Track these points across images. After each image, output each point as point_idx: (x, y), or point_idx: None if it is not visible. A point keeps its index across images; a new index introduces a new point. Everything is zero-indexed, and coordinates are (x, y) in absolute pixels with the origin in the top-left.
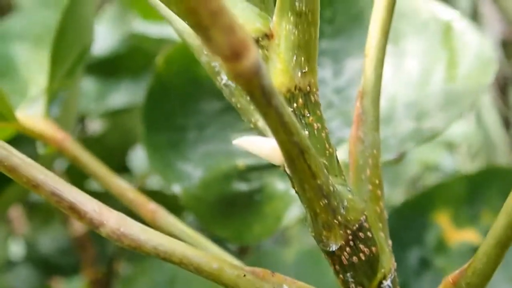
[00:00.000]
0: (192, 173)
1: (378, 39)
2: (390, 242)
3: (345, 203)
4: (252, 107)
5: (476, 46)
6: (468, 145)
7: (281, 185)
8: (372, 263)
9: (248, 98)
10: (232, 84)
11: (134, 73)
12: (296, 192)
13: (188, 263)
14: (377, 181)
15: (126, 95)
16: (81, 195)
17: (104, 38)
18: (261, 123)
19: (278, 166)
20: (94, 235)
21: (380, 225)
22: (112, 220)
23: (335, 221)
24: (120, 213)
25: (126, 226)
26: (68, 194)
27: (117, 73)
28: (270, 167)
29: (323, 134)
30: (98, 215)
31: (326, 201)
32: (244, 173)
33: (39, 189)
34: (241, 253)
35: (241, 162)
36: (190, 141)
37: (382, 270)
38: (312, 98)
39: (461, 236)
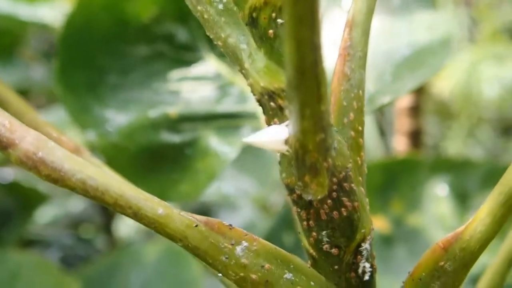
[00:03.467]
0: (112, 119)
1: None
2: (367, 200)
3: (336, 145)
4: (223, 19)
5: (430, 18)
6: None
7: (216, 141)
8: (353, 221)
9: None
10: None
11: None
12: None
13: (126, 205)
14: (360, 128)
15: None
16: None
17: None
18: (233, 39)
19: (215, 118)
20: None
21: (360, 179)
22: (27, 141)
23: (325, 163)
24: (39, 133)
25: (46, 150)
26: None
27: None
28: (205, 118)
29: None
30: (8, 131)
31: (323, 136)
32: (176, 123)
33: None
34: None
35: (173, 110)
36: (111, 85)
37: (362, 231)
38: None
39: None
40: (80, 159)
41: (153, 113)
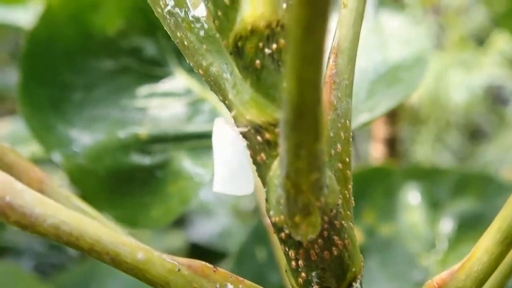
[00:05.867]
0: (78, 139)
1: None
2: (356, 235)
3: (327, 182)
4: (205, 46)
5: (404, 33)
6: None
7: (189, 162)
8: (343, 260)
9: None
10: (179, 11)
11: None
12: (261, 162)
13: (103, 250)
14: (347, 159)
15: None
16: None
17: None
18: (216, 68)
19: (186, 138)
20: None
21: (349, 213)
22: None
23: (317, 203)
24: (5, 174)
25: (14, 193)
26: None
27: None
28: (176, 138)
29: None
30: None
31: (318, 176)
32: (146, 144)
33: None
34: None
35: (142, 131)
36: (75, 102)
37: (353, 269)
38: None
39: None
40: (52, 201)
41: (122, 134)
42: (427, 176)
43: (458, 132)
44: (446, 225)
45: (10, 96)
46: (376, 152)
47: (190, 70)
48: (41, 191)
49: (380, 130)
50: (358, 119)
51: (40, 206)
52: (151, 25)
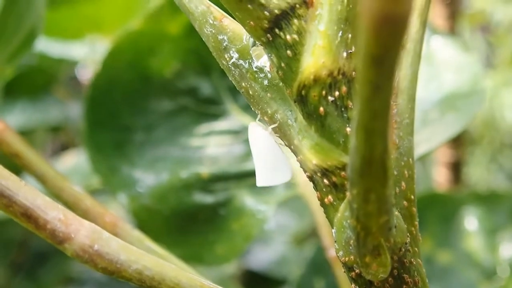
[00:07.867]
0: (141, 179)
1: (416, 30)
2: (424, 270)
3: (395, 222)
4: (269, 94)
5: (456, 60)
6: None
7: (250, 199)
8: None
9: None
10: (243, 63)
11: (31, 94)
12: (327, 204)
13: None
14: (412, 197)
15: (21, 117)
16: (41, 197)
17: None
18: (281, 115)
19: (247, 176)
20: None
21: (417, 249)
22: (83, 234)
23: (387, 243)
24: (93, 224)
25: (101, 242)
26: (22, 196)
27: (13, 93)
28: (237, 176)
29: None
30: (64, 225)
31: (386, 218)
32: (208, 183)
33: None
34: None
35: (204, 170)
36: (137, 143)
37: None
38: None
39: None
40: (134, 248)
41: (184, 174)
42: (483, 201)
43: None
44: (507, 251)
45: (66, 128)
46: (440, 177)
47: (244, 108)
48: (115, 234)
49: (444, 154)
50: (416, 151)
51: (125, 253)
52: (205, 65)
